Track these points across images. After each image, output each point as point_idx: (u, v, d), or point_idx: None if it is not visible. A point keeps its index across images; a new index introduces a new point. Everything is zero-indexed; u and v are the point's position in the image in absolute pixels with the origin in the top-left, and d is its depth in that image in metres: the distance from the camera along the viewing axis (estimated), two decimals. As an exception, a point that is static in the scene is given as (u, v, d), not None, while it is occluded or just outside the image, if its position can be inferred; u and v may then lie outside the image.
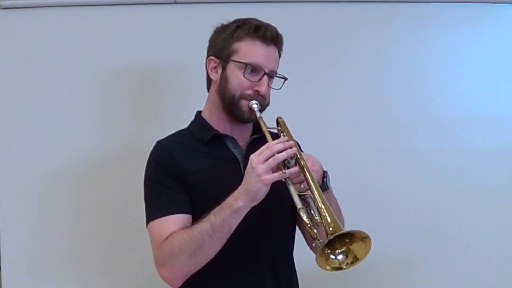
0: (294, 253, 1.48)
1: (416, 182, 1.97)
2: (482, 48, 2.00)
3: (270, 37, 1.36)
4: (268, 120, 1.39)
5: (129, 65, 1.89)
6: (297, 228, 1.47)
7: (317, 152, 1.32)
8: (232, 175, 1.33)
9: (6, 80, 1.87)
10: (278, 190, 1.24)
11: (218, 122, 1.42)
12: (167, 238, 1.28)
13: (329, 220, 1.18)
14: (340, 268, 1.21)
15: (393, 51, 1.99)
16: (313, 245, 1.23)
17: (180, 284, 1.32)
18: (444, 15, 1.99)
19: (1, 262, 1.87)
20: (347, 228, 1.19)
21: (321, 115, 1.95)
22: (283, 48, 1.44)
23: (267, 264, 1.38)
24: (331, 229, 1.16)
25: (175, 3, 1.91)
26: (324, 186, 1.34)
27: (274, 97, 1.43)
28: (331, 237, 1.15)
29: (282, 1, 1.94)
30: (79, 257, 1.89)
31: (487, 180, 1.99)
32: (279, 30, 1.40)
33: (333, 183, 1.38)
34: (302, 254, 1.41)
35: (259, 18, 1.41)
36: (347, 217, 1.40)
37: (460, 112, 2.00)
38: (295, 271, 1.49)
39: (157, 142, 1.42)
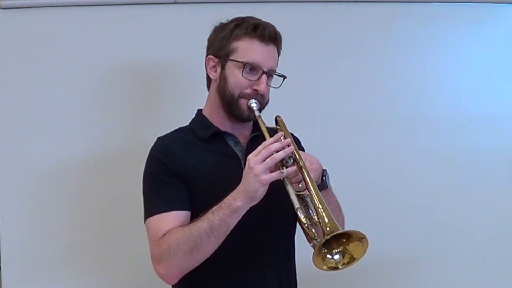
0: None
1: (416, 181, 1.97)
2: (482, 48, 2.00)
3: (269, 35, 1.36)
4: (268, 119, 1.39)
5: (129, 65, 1.89)
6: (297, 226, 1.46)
7: (317, 151, 1.33)
8: (233, 172, 1.32)
9: (6, 80, 1.87)
10: (279, 187, 1.24)
11: (219, 120, 1.42)
12: (164, 235, 1.28)
13: (326, 220, 1.17)
14: (336, 268, 1.20)
15: (393, 51, 1.99)
16: (311, 244, 1.22)
17: (175, 281, 1.32)
18: (444, 15, 1.99)
19: (1, 262, 1.87)
20: (346, 228, 1.18)
21: (321, 115, 1.95)
22: (284, 47, 1.44)
23: (270, 262, 1.38)
24: (328, 229, 1.16)
25: (175, 3, 1.91)
26: (323, 184, 1.34)
27: (274, 96, 1.43)
28: (327, 237, 1.15)
29: (282, 1, 1.94)
30: (79, 257, 1.89)
31: (487, 180, 1.99)
32: (279, 30, 1.40)
33: (334, 183, 1.38)
34: (302, 252, 1.40)
35: (259, 18, 1.40)
36: (348, 217, 1.40)
37: (460, 112, 2.00)
38: (295, 270, 1.48)
39: (158, 138, 1.43)
